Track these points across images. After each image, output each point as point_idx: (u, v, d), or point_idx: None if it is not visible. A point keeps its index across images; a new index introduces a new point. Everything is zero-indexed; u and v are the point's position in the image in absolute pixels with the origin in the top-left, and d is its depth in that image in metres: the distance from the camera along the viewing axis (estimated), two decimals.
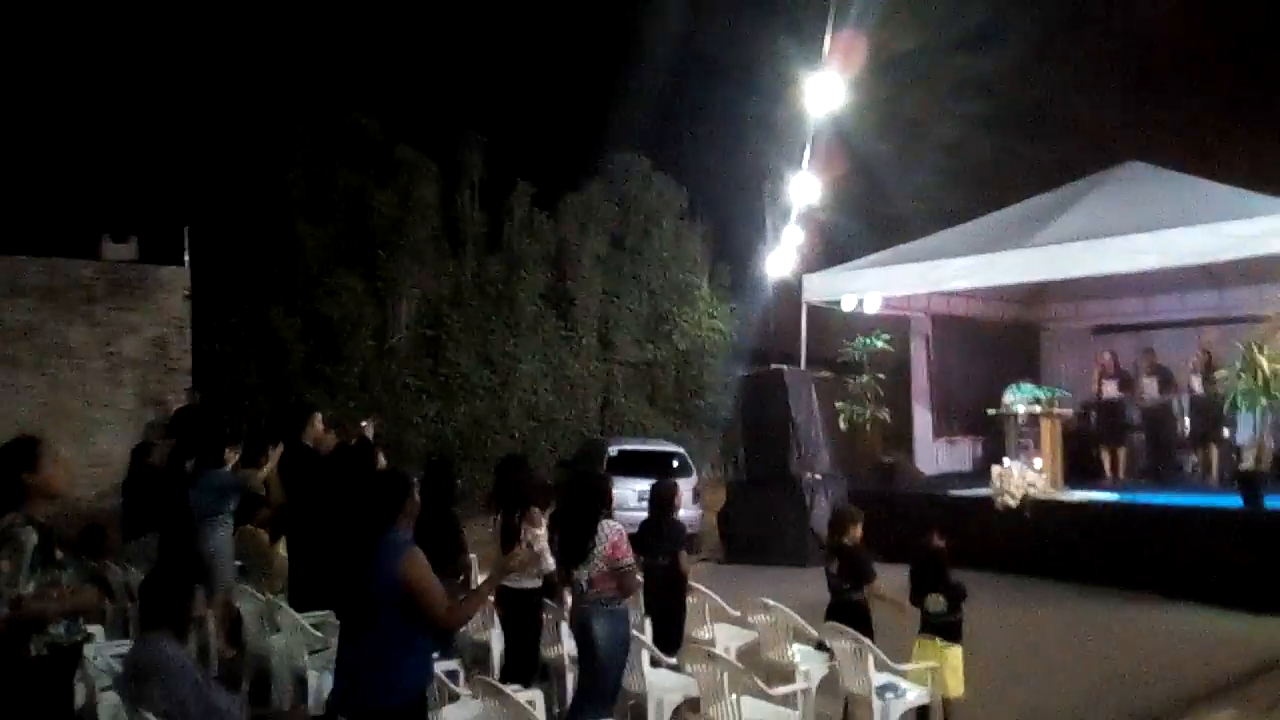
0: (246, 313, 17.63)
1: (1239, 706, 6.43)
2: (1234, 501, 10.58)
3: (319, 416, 8.24)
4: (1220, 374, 11.60)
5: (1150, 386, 13.84)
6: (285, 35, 19.70)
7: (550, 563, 5.83)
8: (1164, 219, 11.02)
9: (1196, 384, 13.19)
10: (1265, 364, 10.36)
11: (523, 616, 5.96)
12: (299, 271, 18.17)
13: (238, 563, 8.06)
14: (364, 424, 8.47)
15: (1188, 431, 13.86)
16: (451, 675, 5.28)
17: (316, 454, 7.95)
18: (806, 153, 12.97)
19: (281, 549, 8.14)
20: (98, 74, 18.55)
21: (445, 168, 19.77)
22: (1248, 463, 11.07)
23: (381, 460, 7.62)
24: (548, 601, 6.11)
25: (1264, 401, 10.54)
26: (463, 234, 20.25)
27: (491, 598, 5.90)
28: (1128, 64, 20.34)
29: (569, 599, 5.66)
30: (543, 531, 5.95)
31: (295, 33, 19.71)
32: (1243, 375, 10.58)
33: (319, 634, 5.90)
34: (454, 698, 5.08)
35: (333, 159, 18.78)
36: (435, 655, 5.28)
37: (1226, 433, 13.05)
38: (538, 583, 5.97)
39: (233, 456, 7.94)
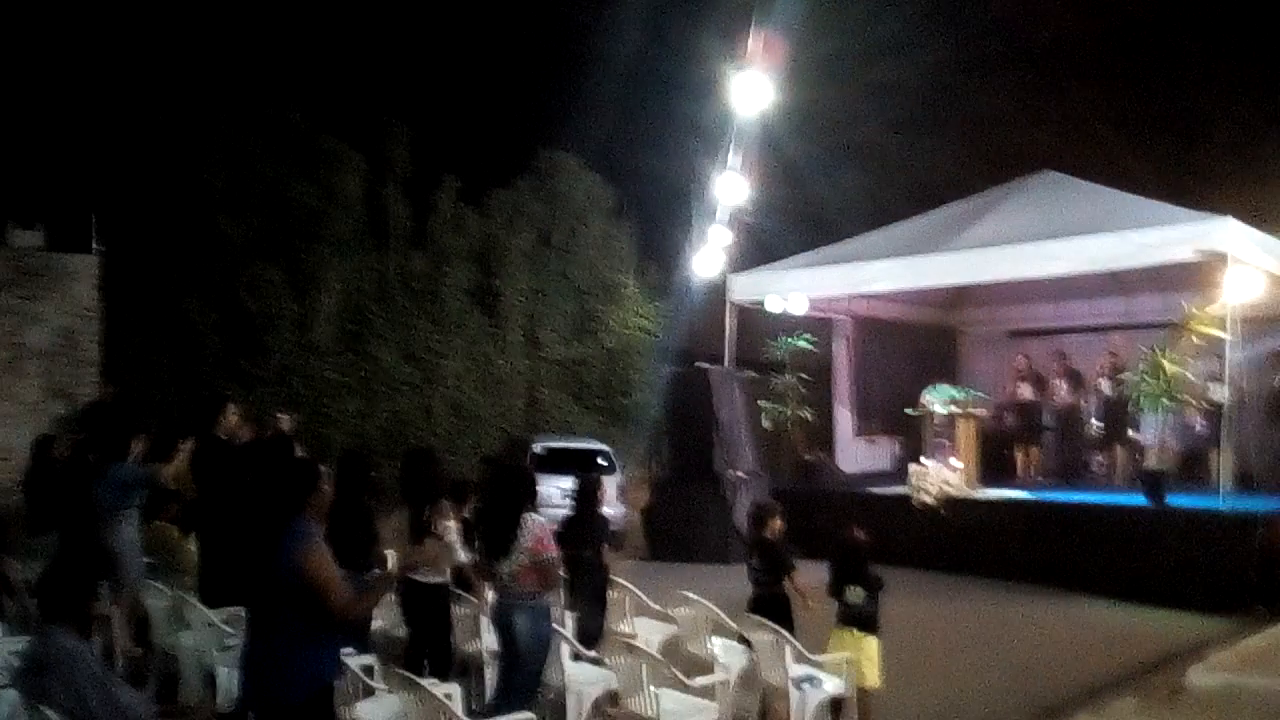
0: (161, 304, 17.11)
1: (1141, 696, 6.65)
2: (1138, 499, 10.98)
3: (233, 409, 8.02)
4: (1126, 377, 12.00)
5: (1061, 389, 14.28)
6: (207, 22, 19.17)
7: (460, 555, 5.74)
8: (1075, 226, 11.38)
9: (1105, 386, 13.65)
10: (1168, 367, 10.76)
11: (431, 611, 5.86)
12: (217, 262, 17.70)
13: (146, 559, 7.81)
14: (281, 417, 8.28)
15: (1097, 432, 14.31)
16: (367, 670, 5.18)
17: (231, 447, 7.75)
18: (732, 153, 13.08)
19: (192, 544, 7.92)
20: (5, 58, 17.82)
21: (370, 160, 19.46)
22: (1151, 462, 11.47)
23: (300, 454, 7.46)
24: (462, 595, 6.03)
25: (1166, 403, 10.95)
26: (387, 227, 19.94)
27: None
28: (1046, 74, 20.96)
29: (489, 593, 5.60)
30: (453, 524, 5.86)
31: (217, 19, 19.20)
32: (1147, 378, 10.97)
33: (229, 630, 5.75)
34: (369, 692, 4.99)
35: (253, 148, 18.33)
36: (350, 650, 5.20)
37: (1132, 433, 13.53)
38: (445, 577, 5.87)
39: (139, 449, 7.68)
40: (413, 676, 4.56)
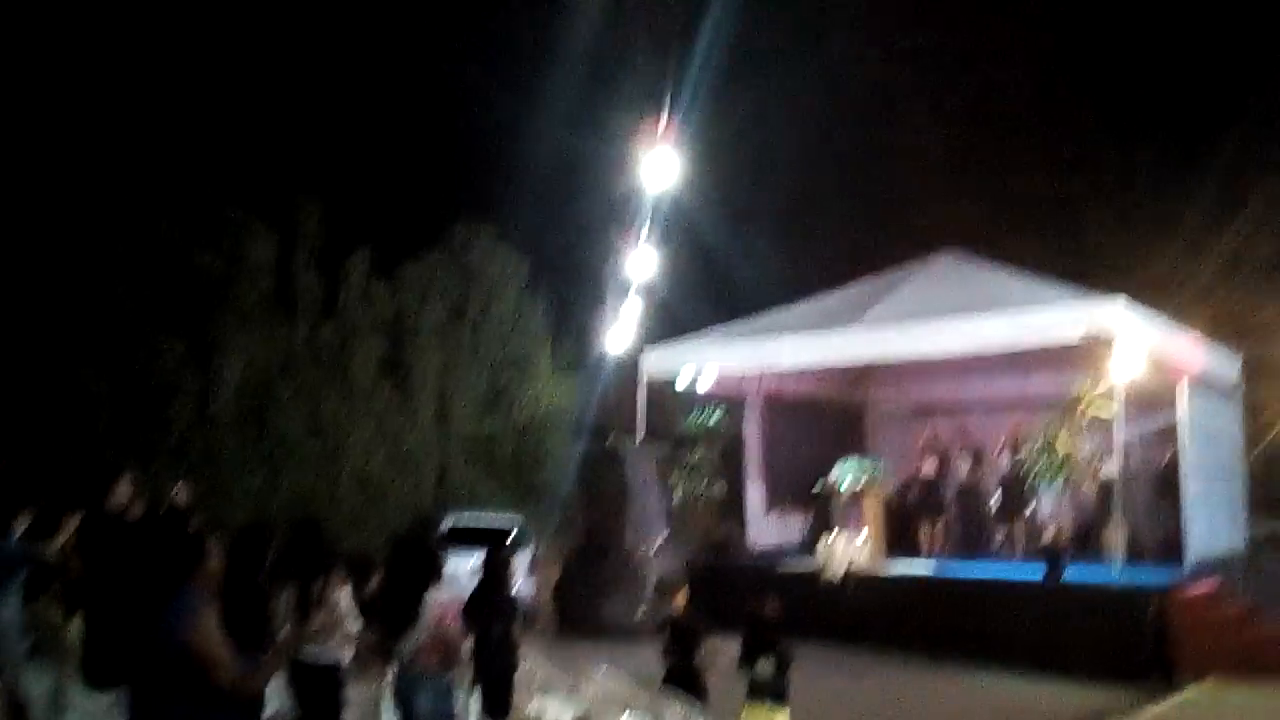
0: (53, 373, 16.44)
1: None
2: (1036, 573, 11.26)
3: (125, 481, 7.70)
4: (1024, 453, 12.41)
5: (963, 465, 14.66)
6: (111, 85, 18.83)
7: (354, 625, 5.54)
8: (972, 306, 11.83)
9: (1005, 463, 14.06)
10: (1061, 444, 11.19)
11: (321, 695, 5.60)
12: (115, 331, 17.13)
13: (27, 640, 7.37)
14: (175, 489, 7.97)
15: (997, 507, 14.69)
16: None
17: (121, 522, 7.42)
18: (644, 228, 13.36)
19: (76, 624, 7.50)
20: None
21: (279, 229, 19.19)
22: (1048, 537, 11.82)
23: (193, 529, 7.18)
24: (362, 675, 5.80)
25: (1061, 479, 11.35)
26: (296, 298, 19.63)
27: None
28: (948, 156, 21.96)
29: (389, 671, 5.42)
30: (344, 593, 5.67)
31: (123, 83, 18.89)
32: (1043, 455, 11.39)
33: (113, 715, 5.45)
34: None
35: (156, 216, 17.92)
36: None
37: (1031, 509, 13.93)
38: (338, 657, 5.64)
39: (22, 525, 7.29)
40: None
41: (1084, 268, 13.85)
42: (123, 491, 7.60)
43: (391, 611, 5.18)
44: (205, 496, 16.07)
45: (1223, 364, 13.66)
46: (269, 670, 3.76)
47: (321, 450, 18.69)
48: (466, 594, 6.77)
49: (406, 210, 22.14)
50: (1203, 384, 12.72)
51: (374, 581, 6.67)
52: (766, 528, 15.94)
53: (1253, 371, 14.67)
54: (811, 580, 12.11)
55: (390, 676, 5.41)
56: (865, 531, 12.76)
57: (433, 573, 5.31)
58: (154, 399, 16.97)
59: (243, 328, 18.14)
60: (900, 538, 14.29)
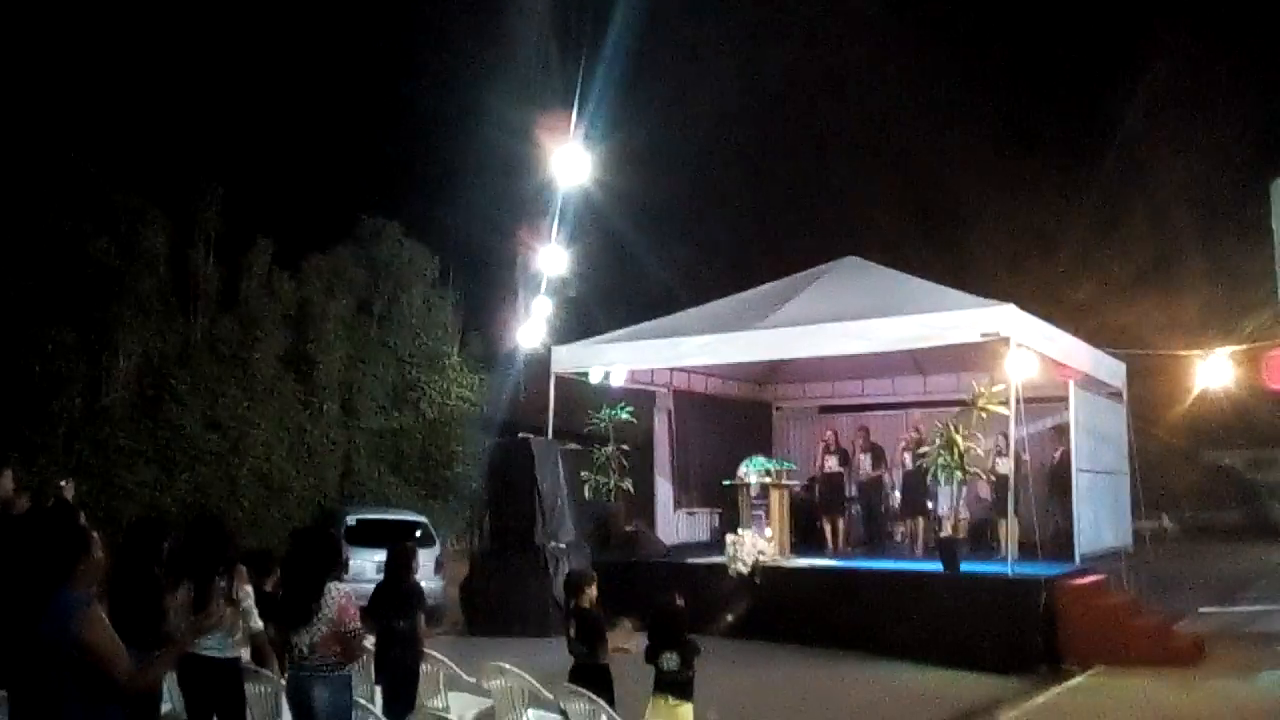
0: None
1: None
2: (935, 566, 11.61)
3: (8, 475, 7.36)
4: (924, 451, 12.77)
5: (865, 462, 15.02)
6: None
7: (258, 623, 5.41)
8: (874, 309, 12.14)
9: (906, 460, 14.45)
10: (960, 442, 11.56)
11: (222, 689, 5.46)
12: None
13: None
14: (61, 484, 7.66)
15: (898, 503, 15.09)
16: None
17: (4, 516, 7.10)
18: (554, 225, 13.35)
19: None
20: None
21: (176, 218, 18.53)
22: (945, 531, 12.19)
23: (81, 523, 6.89)
24: (262, 672, 5.67)
25: (959, 475, 11.72)
26: (194, 289, 18.99)
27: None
28: (851, 163, 22.56)
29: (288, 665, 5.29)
30: (250, 589, 5.53)
31: (8, 60, 18.01)
32: (942, 452, 11.74)
33: None
34: None
35: (45, 199, 17.11)
36: None
37: (930, 505, 14.36)
38: (238, 653, 5.51)
39: None
40: None
41: (971, 280, 14.38)
42: (4, 486, 7.27)
43: (289, 602, 5.04)
44: (97, 492, 15.47)
45: (1109, 369, 14.29)
46: (164, 665, 3.63)
47: (221, 445, 18.13)
48: (370, 590, 6.68)
49: (311, 201, 21.67)
50: (1091, 386, 13.30)
51: (274, 577, 6.53)
52: (676, 525, 16.08)
53: (1136, 377, 15.38)
54: (720, 574, 12.24)
55: (288, 670, 5.27)
56: (772, 528, 12.97)
57: (333, 563, 5.19)
58: (41, 390, 16.21)
59: (137, 318, 17.45)
60: (805, 534, 14.59)
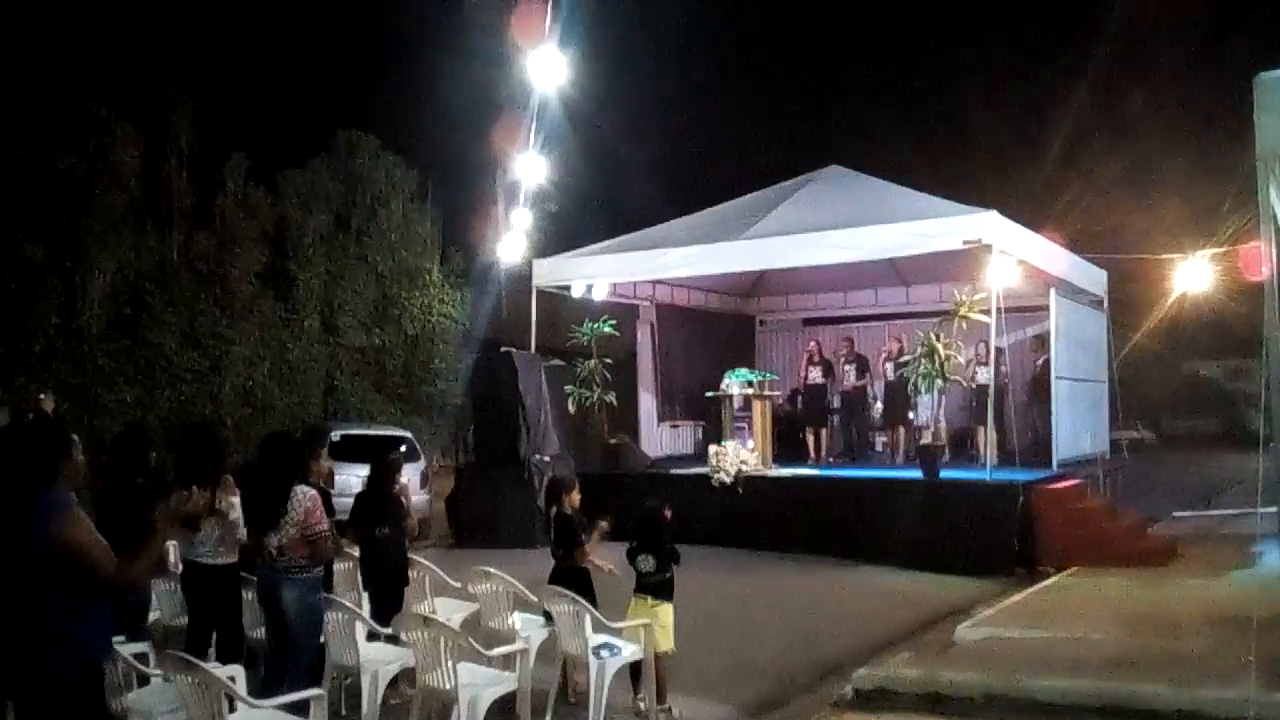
0: None
1: (915, 650, 7.12)
2: (915, 474, 11.76)
3: None
4: (905, 361, 12.83)
5: (848, 373, 15.09)
6: None
7: (243, 532, 5.45)
8: (857, 218, 12.05)
9: (888, 371, 14.53)
10: (941, 350, 11.60)
11: (218, 594, 5.54)
12: None
13: None
14: (41, 396, 7.60)
15: (880, 414, 15.22)
16: (141, 657, 4.84)
17: None
18: (532, 132, 13.08)
19: None
20: None
21: (147, 131, 18.08)
22: (926, 439, 12.31)
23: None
24: (249, 577, 5.72)
25: (940, 384, 11.79)
26: (168, 205, 18.65)
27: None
28: (834, 71, 22.21)
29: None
30: (237, 500, 5.56)
31: None
32: (923, 361, 11.79)
33: None
34: (144, 680, 4.67)
35: (10, 111, 16.63)
36: (121, 638, 4.84)
37: (911, 415, 14.48)
38: (232, 559, 5.57)
39: None
40: (192, 659, 4.29)
41: (955, 188, 14.26)
42: None
43: (257, 505, 5.08)
44: (79, 410, 15.41)
45: (1091, 277, 14.31)
46: (146, 558, 3.62)
47: (201, 363, 18.03)
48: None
49: (284, 114, 21.18)
50: (1072, 294, 13.33)
51: None
52: (659, 437, 16.20)
53: (1119, 282, 15.42)
54: (703, 484, 12.36)
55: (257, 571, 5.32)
56: (754, 439, 13.07)
57: (299, 466, 5.21)
58: (14, 308, 15.98)
59: (110, 234, 17.13)
60: (788, 446, 14.71)
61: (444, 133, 22.24)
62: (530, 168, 13.96)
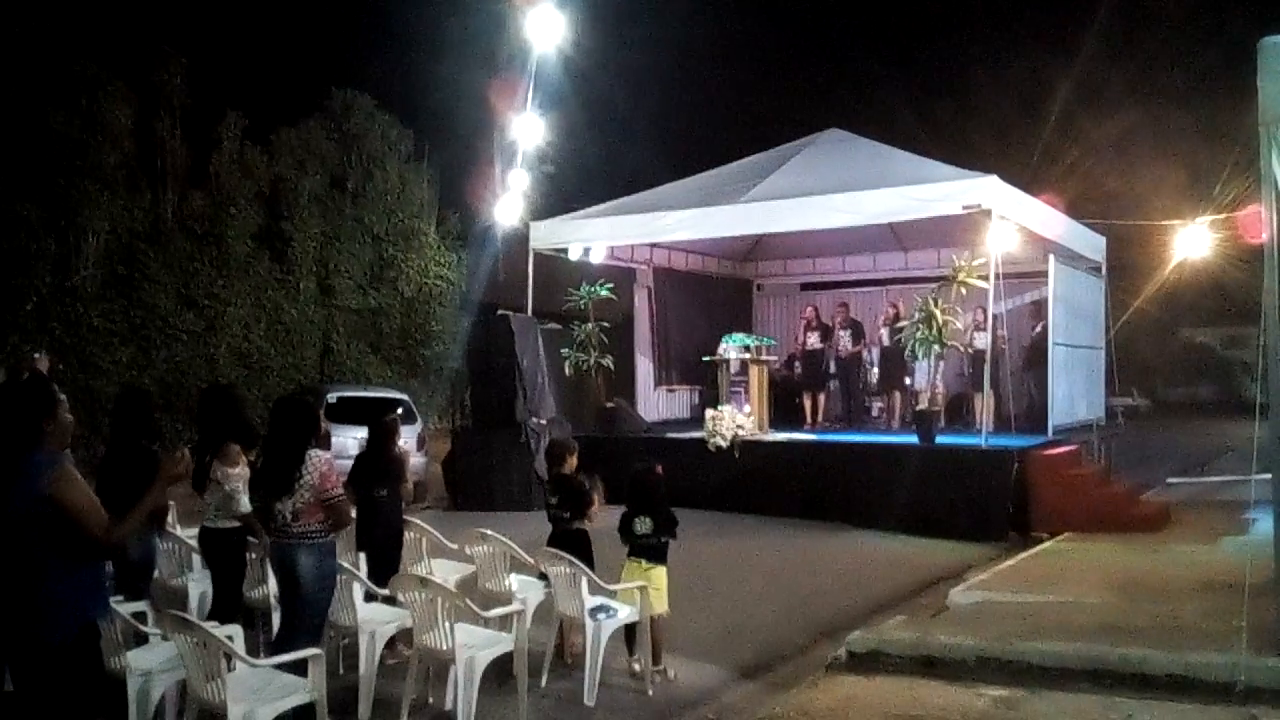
0: None
1: (908, 614, 7.17)
2: (911, 439, 11.79)
3: None
4: (903, 326, 12.82)
5: (845, 338, 15.08)
6: None
7: (244, 505, 5.43)
8: (856, 182, 11.97)
9: (884, 336, 14.53)
10: (939, 315, 11.58)
11: (218, 556, 5.58)
12: None
13: None
14: (36, 355, 7.57)
15: (877, 379, 15.23)
16: (140, 617, 4.86)
17: None
18: (530, 93, 12.95)
19: None
20: None
21: (140, 90, 17.90)
22: (922, 404, 12.33)
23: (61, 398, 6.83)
24: (250, 540, 5.74)
25: (937, 349, 11.78)
26: (162, 165, 18.51)
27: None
28: (834, 34, 21.98)
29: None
30: (238, 470, 5.55)
31: None
32: (920, 326, 11.77)
33: None
34: (143, 640, 4.69)
35: (2, 69, 16.44)
36: (120, 598, 4.86)
37: (908, 380, 14.51)
38: (235, 523, 5.58)
39: None
40: (189, 618, 4.31)
41: (955, 151, 14.17)
42: None
43: (272, 471, 5.03)
44: (74, 372, 15.38)
45: (1090, 243, 14.26)
46: (138, 518, 3.60)
47: (197, 324, 17.98)
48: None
49: (279, 72, 20.96)
50: (1071, 260, 13.29)
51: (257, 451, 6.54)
52: (656, 402, 16.21)
53: (1117, 247, 15.38)
54: (699, 449, 12.38)
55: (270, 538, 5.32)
56: (751, 403, 13.08)
57: (312, 431, 5.16)
58: (8, 268, 15.91)
59: (103, 194, 17.01)
60: (784, 410, 14.74)
61: (440, 93, 22.08)
62: (528, 129, 13.83)
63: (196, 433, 5.65)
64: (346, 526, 5.46)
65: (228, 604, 5.50)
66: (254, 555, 5.87)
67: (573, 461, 6.37)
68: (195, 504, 5.93)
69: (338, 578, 5.37)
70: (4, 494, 3.40)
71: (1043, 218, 12.47)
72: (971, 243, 11.94)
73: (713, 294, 17.00)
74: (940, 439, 11.62)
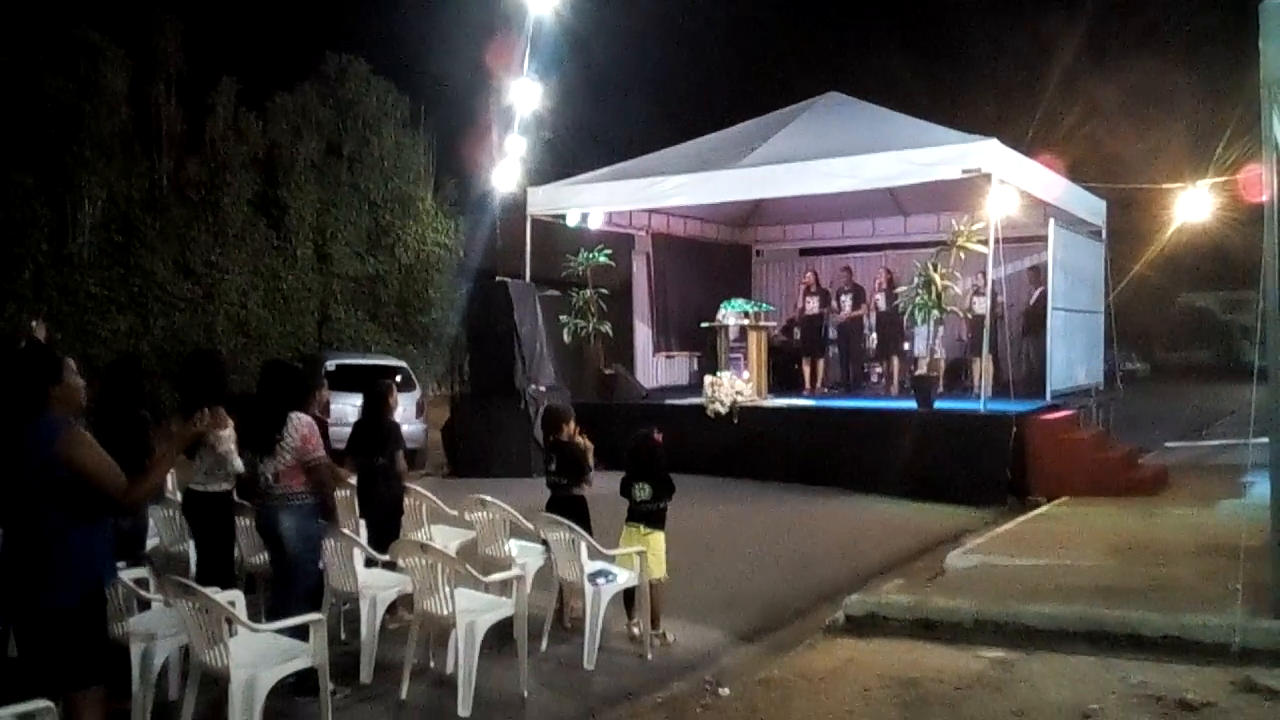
0: None
1: (906, 578, 7.22)
2: (910, 404, 11.80)
3: None
4: (901, 291, 12.78)
5: (845, 303, 15.05)
6: None
7: (238, 465, 5.45)
8: (855, 146, 11.87)
9: (882, 301, 14.49)
10: (938, 280, 11.55)
11: (213, 520, 5.58)
12: None
13: None
14: (34, 324, 7.54)
15: (875, 344, 15.23)
16: (142, 583, 4.88)
17: None
18: (526, 57, 12.82)
19: None
20: None
21: (136, 55, 17.73)
22: (921, 370, 12.33)
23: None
24: (244, 504, 5.75)
25: (936, 314, 11.76)
26: (158, 131, 18.38)
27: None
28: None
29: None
30: (228, 432, 5.56)
31: None
32: (919, 291, 11.74)
33: None
34: (145, 605, 4.72)
35: None
36: (122, 564, 4.87)
37: (906, 345, 14.50)
38: (225, 486, 5.58)
39: None
40: (191, 584, 4.33)
41: (955, 114, 14.04)
42: None
43: (255, 433, 5.06)
44: (71, 339, 15.36)
45: (1090, 206, 14.19)
46: (156, 475, 3.62)
47: (194, 291, 17.94)
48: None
49: (273, 36, 20.76)
50: (1071, 224, 13.23)
51: None
52: (655, 369, 16.21)
53: (1118, 210, 15.31)
54: (698, 415, 12.40)
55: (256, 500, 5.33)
56: (749, 369, 13.08)
57: (297, 393, 5.17)
58: (3, 234, 15.84)
59: (100, 160, 16.91)
60: (783, 376, 14.75)
61: (437, 58, 21.87)
62: (525, 94, 13.72)
63: (183, 398, 5.60)
64: (333, 490, 5.48)
65: (217, 569, 5.48)
66: (247, 521, 5.86)
67: (570, 427, 6.37)
68: (182, 472, 5.91)
69: (337, 544, 5.39)
70: (15, 460, 3.40)
71: (1043, 182, 12.41)
72: (971, 207, 11.88)
73: (711, 260, 16.95)
74: (939, 404, 11.63)
